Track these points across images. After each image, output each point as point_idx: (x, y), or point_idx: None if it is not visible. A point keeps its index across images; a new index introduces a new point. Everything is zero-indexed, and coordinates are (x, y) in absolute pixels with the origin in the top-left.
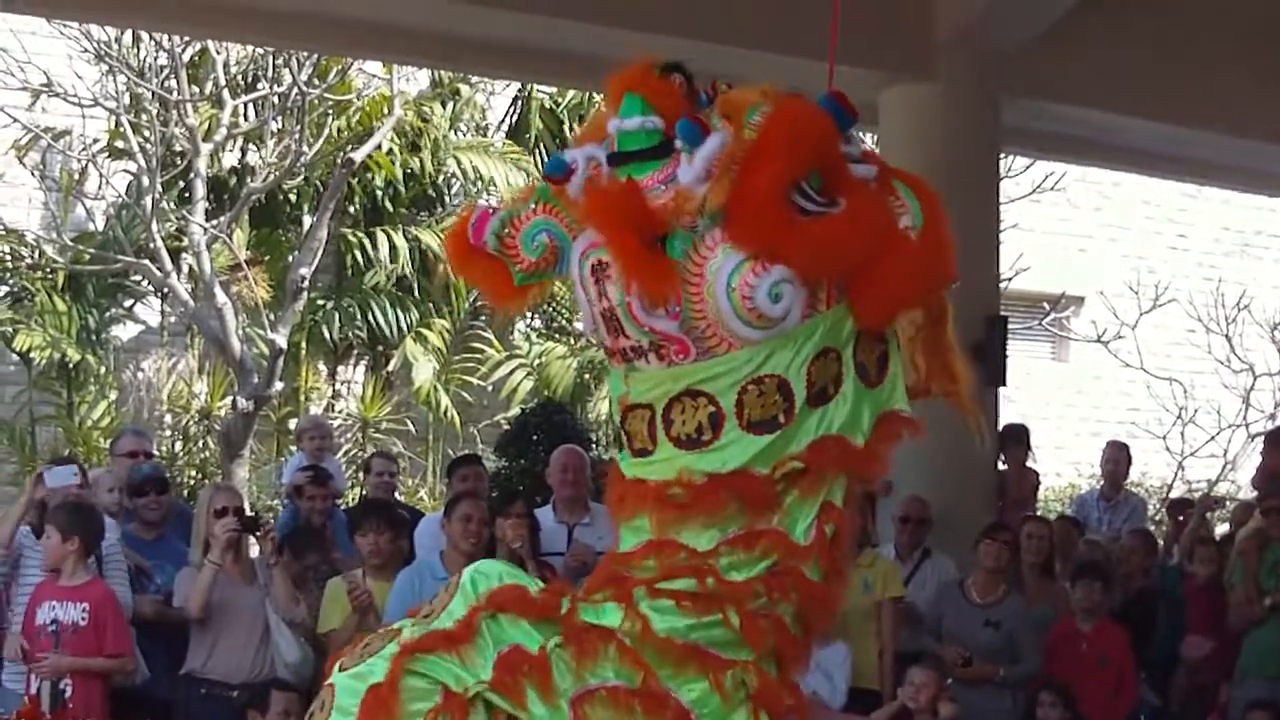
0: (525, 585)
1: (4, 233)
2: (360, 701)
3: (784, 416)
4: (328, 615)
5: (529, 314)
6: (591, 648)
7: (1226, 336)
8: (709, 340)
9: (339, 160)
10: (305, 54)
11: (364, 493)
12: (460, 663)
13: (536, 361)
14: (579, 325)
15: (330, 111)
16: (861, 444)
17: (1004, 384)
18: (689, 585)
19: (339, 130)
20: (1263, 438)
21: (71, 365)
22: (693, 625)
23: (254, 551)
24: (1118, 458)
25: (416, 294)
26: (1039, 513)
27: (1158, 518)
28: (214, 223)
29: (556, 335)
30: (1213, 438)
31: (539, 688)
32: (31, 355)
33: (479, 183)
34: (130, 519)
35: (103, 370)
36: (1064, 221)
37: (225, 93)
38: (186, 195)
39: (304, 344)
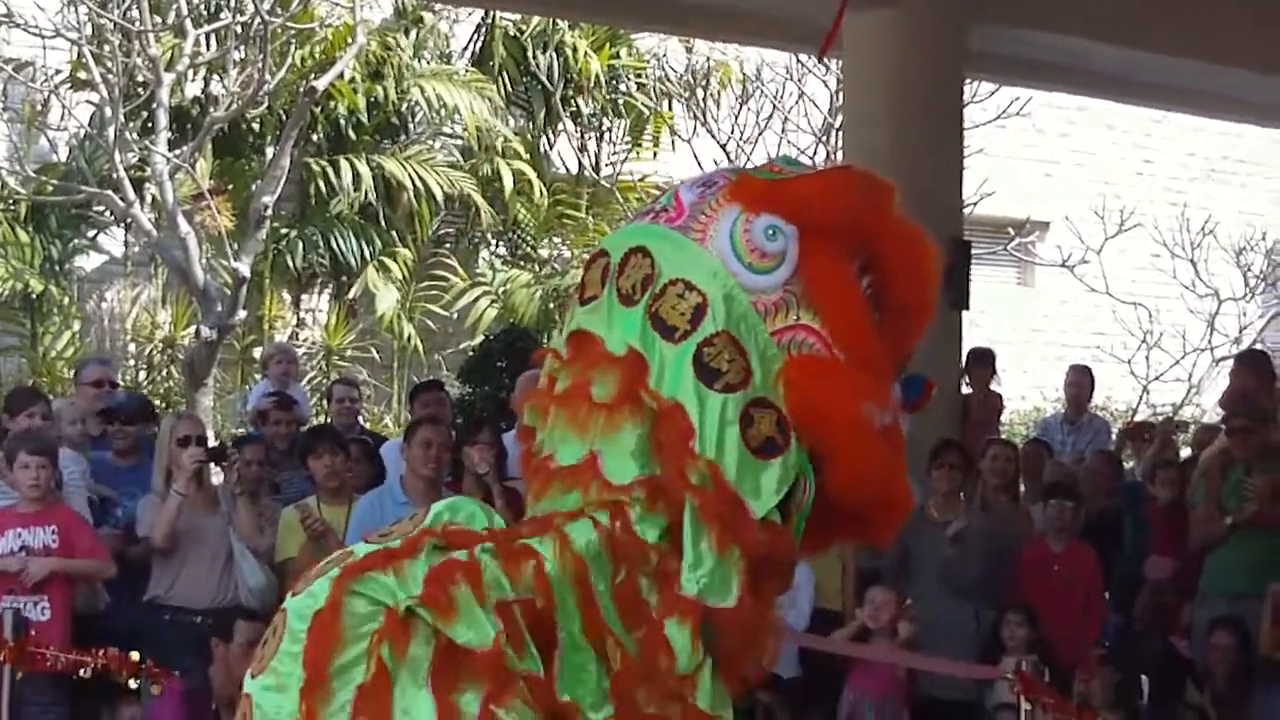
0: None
1: None
2: (307, 628)
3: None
4: (284, 543)
5: (493, 241)
6: (520, 557)
7: (1192, 261)
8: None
9: (302, 89)
10: None
11: (328, 420)
12: (396, 579)
13: (501, 289)
14: (543, 253)
15: (293, 40)
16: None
17: (967, 308)
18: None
19: (302, 59)
20: (1231, 360)
21: (35, 296)
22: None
23: (216, 479)
24: (1080, 381)
25: (380, 222)
26: (1003, 436)
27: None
28: (177, 152)
29: (521, 263)
30: (1177, 362)
31: (470, 588)
32: None
33: (442, 111)
34: (101, 448)
35: (66, 301)
36: (1029, 147)
37: (188, 22)
38: (149, 125)
39: (267, 273)
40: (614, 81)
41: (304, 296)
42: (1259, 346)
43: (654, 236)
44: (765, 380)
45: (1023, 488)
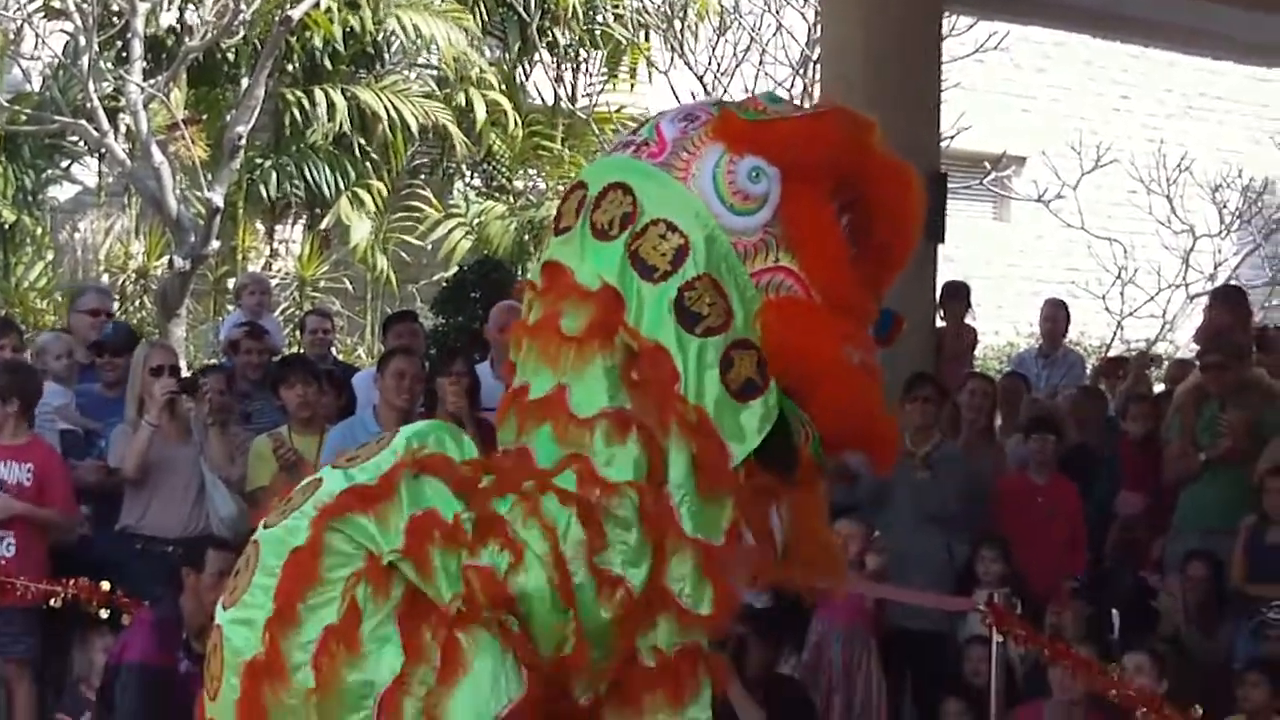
0: (457, 454)
1: None
2: (283, 564)
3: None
4: (255, 473)
5: (467, 172)
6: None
7: (1167, 198)
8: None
9: (277, 18)
10: None
11: (301, 351)
12: (377, 524)
13: (475, 221)
14: (518, 184)
15: None
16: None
17: (943, 241)
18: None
19: None
20: (1205, 297)
21: (7, 227)
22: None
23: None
24: (1055, 315)
25: (355, 153)
26: (977, 370)
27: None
28: (151, 82)
29: (496, 194)
30: (1152, 298)
31: (446, 551)
32: None
33: (418, 41)
34: (89, 379)
35: (39, 231)
36: (1006, 81)
37: None
38: (124, 55)
39: (241, 203)
40: (591, 12)
41: (278, 227)
42: (1234, 283)
43: (636, 173)
44: (746, 322)
45: (999, 421)
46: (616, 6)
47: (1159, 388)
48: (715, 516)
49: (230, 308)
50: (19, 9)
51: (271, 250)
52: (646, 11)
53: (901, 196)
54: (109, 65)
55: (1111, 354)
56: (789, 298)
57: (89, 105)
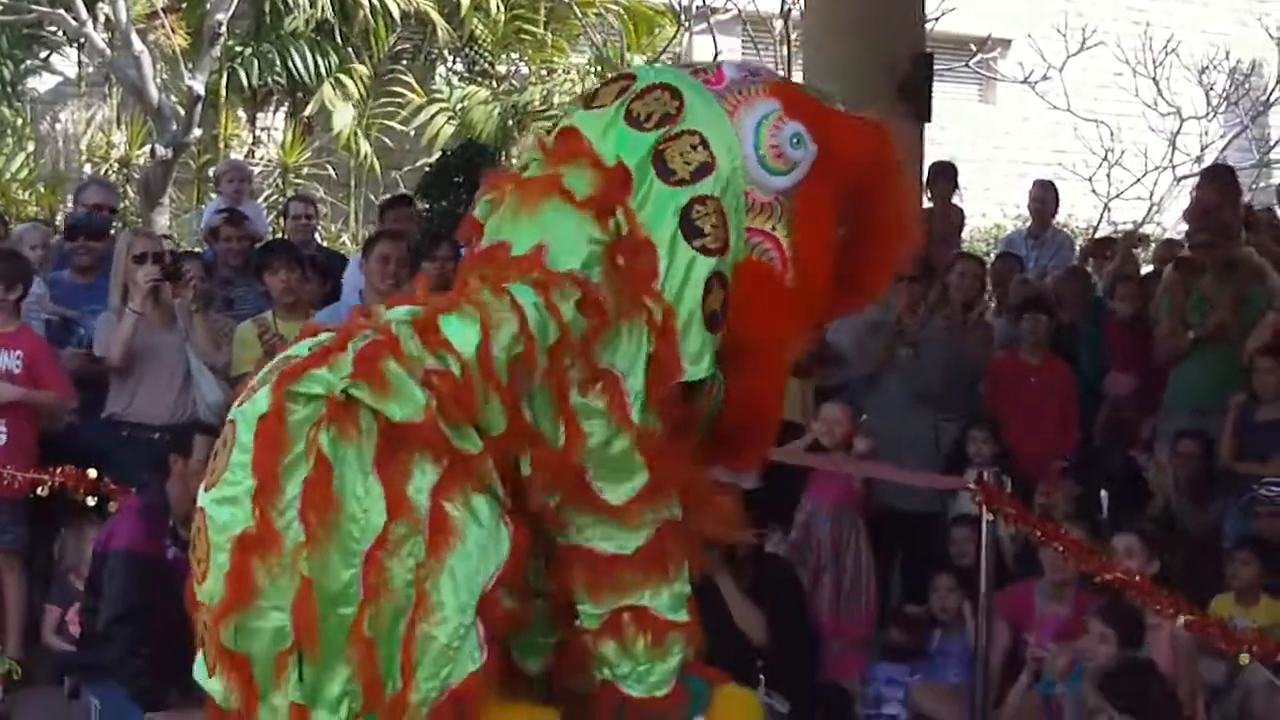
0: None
1: None
2: (253, 434)
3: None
4: (240, 358)
5: (450, 57)
6: (431, 330)
7: (1154, 79)
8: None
9: None
10: None
11: (284, 237)
12: (330, 370)
13: (458, 106)
14: (501, 69)
15: None
16: None
17: (929, 119)
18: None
19: None
20: (1192, 179)
21: None
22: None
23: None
24: (1044, 196)
25: (337, 39)
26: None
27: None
28: None
29: (479, 79)
30: (1139, 180)
31: (395, 360)
32: None
33: None
34: (61, 267)
35: (20, 123)
36: None
37: None
38: None
39: (222, 91)
40: None
41: (260, 114)
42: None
43: (690, 87)
44: (733, 262)
45: (992, 302)
46: None
47: (1147, 269)
48: (649, 422)
49: (213, 196)
50: None
51: (254, 138)
52: None
53: (897, 244)
54: None
55: (1098, 236)
56: (767, 266)
57: None
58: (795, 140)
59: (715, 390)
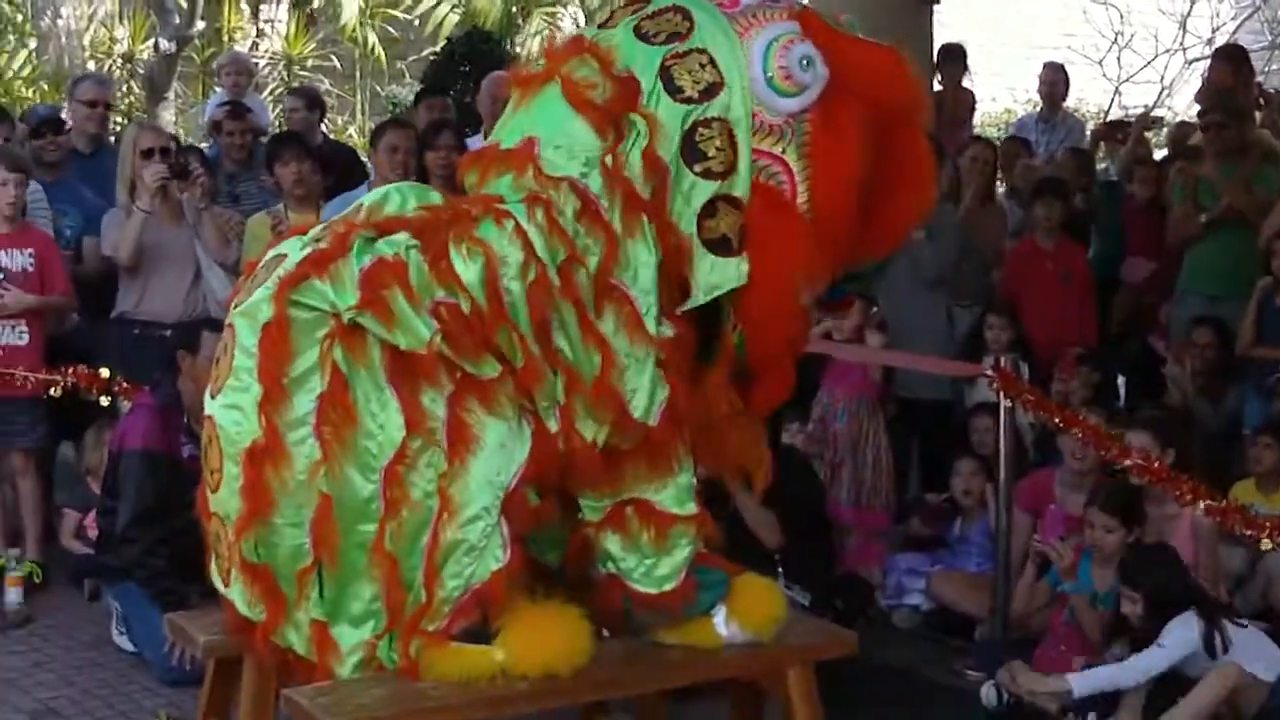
0: (423, 206)
1: None
2: (258, 340)
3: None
4: (249, 251)
5: None
6: (440, 259)
7: None
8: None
9: None
10: None
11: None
12: (332, 285)
13: None
14: None
15: None
16: None
17: (938, 1)
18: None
19: None
20: (1203, 61)
21: None
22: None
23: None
24: (1055, 79)
25: None
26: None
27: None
28: None
29: None
30: (1149, 63)
31: (402, 292)
32: None
33: None
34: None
35: (20, 19)
36: None
37: None
38: None
39: None
40: None
41: (263, 6)
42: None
43: (702, 8)
44: (746, 183)
45: (1001, 186)
46: None
47: (1161, 154)
48: (665, 334)
49: (219, 89)
50: None
51: (258, 30)
52: None
53: (915, 187)
54: None
55: (1110, 119)
56: (780, 193)
57: None
58: (805, 63)
59: (736, 326)
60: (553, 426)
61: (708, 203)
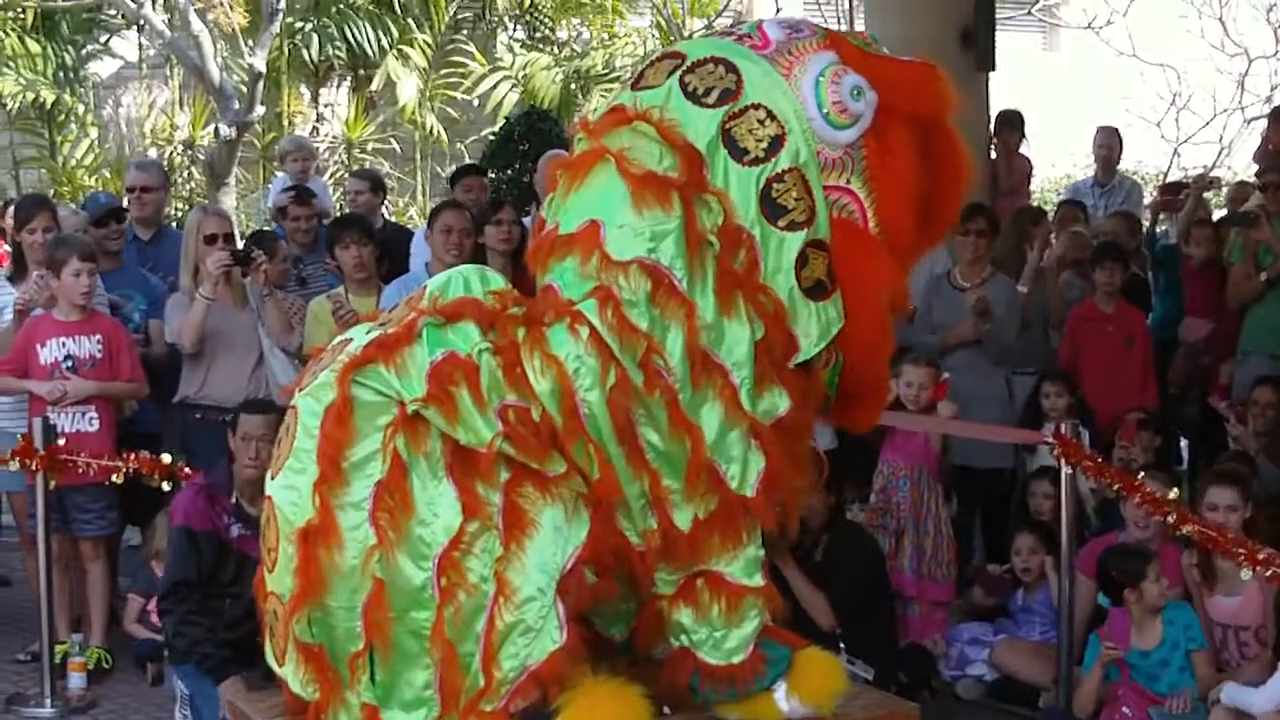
0: (491, 292)
1: None
2: (320, 422)
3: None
4: (314, 335)
5: (510, 24)
6: (513, 365)
7: (1220, 20)
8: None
9: None
10: None
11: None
12: (398, 373)
13: (521, 73)
14: (562, 35)
15: None
16: None
17: (994, 68)
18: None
19: None
20: (1262, 120)
21: (49, 106)
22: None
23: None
24: (1110, 142)
25: (396, 10)
26: (1034, 202)
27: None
28: None
29: (540, 45)
30: (1208, 123)
31: (469, 391)
32: (4, 101)
33: None
34: None
35: (82, 109)
36: None
37: None
38: None
39: (284, 68)
40: None
41: (322, 90)
42: None
43: (740, 55)
44: (825, 223)
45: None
46: None
47: (1220, 213)
48: (770, 405)
49: (280, 174)
50: None
51: (317, 114)
52: None
53: (959, 178)
54: None
55: (1168, 181)
56: (850, 220)
57: None
58: (856, 93)
59: (834, 358)
60: (639, 526)
61: (800, 254)
